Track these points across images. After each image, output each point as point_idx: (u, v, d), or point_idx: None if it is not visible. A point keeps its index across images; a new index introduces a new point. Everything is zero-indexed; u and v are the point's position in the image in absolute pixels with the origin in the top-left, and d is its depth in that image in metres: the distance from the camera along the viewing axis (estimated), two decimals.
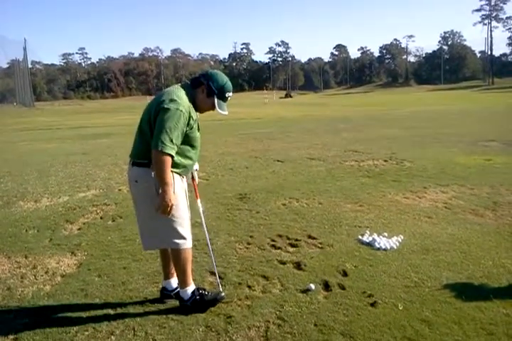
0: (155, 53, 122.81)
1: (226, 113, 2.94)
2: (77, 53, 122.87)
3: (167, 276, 3.25)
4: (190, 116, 2.81)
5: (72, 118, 30.37)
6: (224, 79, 2.93)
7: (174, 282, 3.20)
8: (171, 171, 2.81)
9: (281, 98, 58.17)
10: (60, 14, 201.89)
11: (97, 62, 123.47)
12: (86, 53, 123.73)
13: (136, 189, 2.99)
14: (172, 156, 2.75)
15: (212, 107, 2.94)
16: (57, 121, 27.88)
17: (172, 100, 2.74)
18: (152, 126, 2.79)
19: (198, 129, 3.00)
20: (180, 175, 2.96)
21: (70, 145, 13.29)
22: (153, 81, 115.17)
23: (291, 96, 69.59)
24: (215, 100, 2.91)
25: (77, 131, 18.69)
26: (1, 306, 3.20)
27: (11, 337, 2.78)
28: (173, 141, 2.71)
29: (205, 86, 2.89)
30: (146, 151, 2.81)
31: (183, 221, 2.96)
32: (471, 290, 3.19)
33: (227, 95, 2.95)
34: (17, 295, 3.35)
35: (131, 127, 19.59)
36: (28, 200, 6.37)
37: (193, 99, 2.88)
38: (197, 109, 2.94)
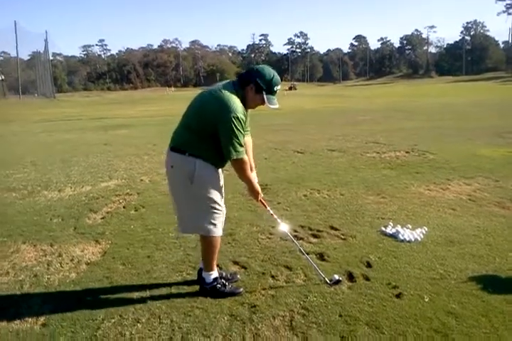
0: (174, 45, 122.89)
1: (277, 106, 2.93)
2: (97, 45, 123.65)
3: None
4: (245, 118, 2.86)
5: (92, 110, 30.65)
6: (271, 73, 2.91)
7: None
8: (210, 162, 2.95)
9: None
10: (80, 6, 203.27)
11: (117, 53, 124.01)
12: (106, 45, 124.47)
13: (171, 174, 3.06)
14: (243, 159, 2.90)
15: (262, 103, 2.95)
16: (77, 112, 28.18)
17: (230, 108, 2.77)
18: (201, 121, 2.89)
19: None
20: (217, 167, 3.03)
21: (91, 136, 13.42)
22: (172, 72, 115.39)
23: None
24: (265, 96, 2.91)
25: (97, 122, 18.85)
26: (29, 292, 3.26)
27: (40, 322, 2.83)
28: (241, 144, 2.85)
29: (253, 84, 2.88)
30: (186, 139, 2.96)
31: (214, 210, 3.01)
32: (497, 282, 3.15)
33: (275, 89, 2.94)
34: (44, 282, 3.41)
35: (151, 118, 19.82)
36: (51, 190, 6.46)
37: (242, 98, 2.89)
38: (247, 106, 2.95)
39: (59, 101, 53.03)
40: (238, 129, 2.79)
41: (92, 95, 76.01)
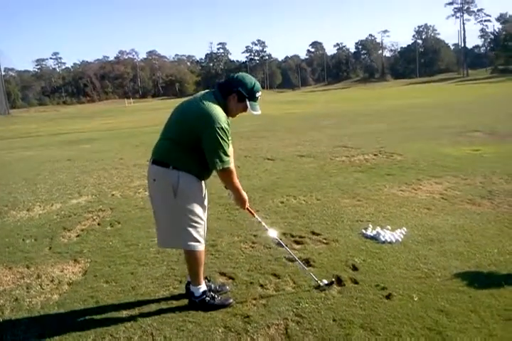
0: (130, 56, 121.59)
1: (259, 112, 2.94)
2: (51, 58, 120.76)
3: None
4: (229, 128, 2.86)
5: (50, 125, 29.91)
6: (252, 81, 2.93)
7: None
8: (194, 175, 2.93)
9: None
10: (31, 18, 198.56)
11: (72, 66, 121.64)
12: (60, 58, 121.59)
13: (153, 187, 3.01)
14: (230, 168, 2.90)
15: (244, 110, 2.96)
16: (35, 128, 27.46)
17: (214, 119, 2.76)
18: (183, 133, 2.86)
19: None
20: (201, 179, 3.01)
21: (53, 152, 13.07)
22: (129, 84, 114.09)
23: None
24: (248, 103, 2.91)
25: (57, 138, 18.41)
26: (12, 317, 3.14)
27: None
28: (227, 153, 2.84)
29: (235, 93, 2.89)
30: (168, 152, 2.91)
31: (197, 224, 2.97)
32: (481, 278, 3.24)
33: (257, 95, 2.95)
34: (25, 306, 3.29)
35: (113, 132, 19.53)
36: (19, 209, 6.25)
37: (224, 107, 2.88)
38: (229, 114, 2.94)
39: (14, 117, 51.59)
40: (223, 139, 2.79)
41: (49, 110, 74.31)
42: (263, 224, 3.37)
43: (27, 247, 4.62)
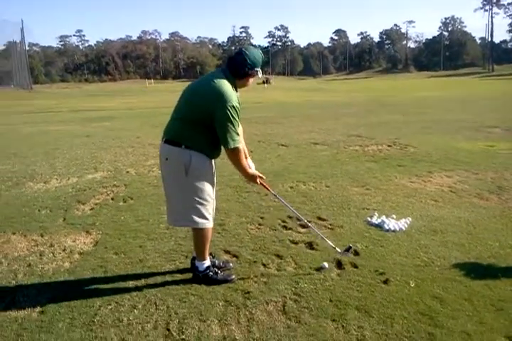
0: (153, 36, 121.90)
1: (261, 74, 3.05)
2: (74, 35, 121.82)
3: None
4: (239, 106, 2.93)
5: (71, 101, 30.26)
6: (258, 56, 2.99)
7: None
8: (205, 154, 3.01)
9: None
10: None
11: (95, 44, 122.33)
12: (84, 36, 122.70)
13: (165, 166, 3.09)
14: (239, 148, 2.97)
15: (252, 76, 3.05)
16: (56, 103, 27.79)
17: (226, 98, 2.83)
18: (195, 112, 2.93)
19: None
20: (211, 158, 3.09)
21: (73, 128, 13.30)
22: (151, 64, 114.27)
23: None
24: (259, 71, 3.02)
25: (78, 114, 18.66)
26: (24, 281, 3.29)
27: (37, 310, 2.88)
28: (237, 132, 2.93)
29: (249, 76, 2.99)
30: (180, 132, 2.99)
31: (206, 203, 3.07)
32: (479, 269, 3.30)
33: (260, 61, 3.03)
34: (38, 272, 3.45)
35: (132, 111, 19.70)
36: (37, 181, 6.44)
37: (233, 82, 2.96)
38: (240, 87, 3.04)
39: (36, 92, 52.17)
40: (234, 118, 2.87)
41: (71, 86, 75.02)
42: (278, 196, 3.46)
43: (42, 217, 4.79)
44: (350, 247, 3.45)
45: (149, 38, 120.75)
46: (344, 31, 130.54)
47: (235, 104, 2.86)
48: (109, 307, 2.90)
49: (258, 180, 3.18)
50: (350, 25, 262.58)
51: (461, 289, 3.00)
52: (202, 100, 2.90)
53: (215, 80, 2.90)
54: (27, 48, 71.76)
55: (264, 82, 56.25)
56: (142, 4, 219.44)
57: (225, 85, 2.88)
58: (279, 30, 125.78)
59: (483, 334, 2.50)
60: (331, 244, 3.44)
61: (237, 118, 2.89)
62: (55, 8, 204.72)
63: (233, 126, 2.87)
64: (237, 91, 3.00)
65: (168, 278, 3.29)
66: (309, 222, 4.33)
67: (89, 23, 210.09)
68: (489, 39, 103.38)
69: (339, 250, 3.41)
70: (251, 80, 3.06)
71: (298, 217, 3.74)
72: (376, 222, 4.27)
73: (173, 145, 2.99)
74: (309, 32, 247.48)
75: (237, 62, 2.94)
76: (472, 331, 2.53)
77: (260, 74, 3.04)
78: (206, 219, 3.09)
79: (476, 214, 4.50)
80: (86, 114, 18.81)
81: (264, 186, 3.32)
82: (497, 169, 6.41)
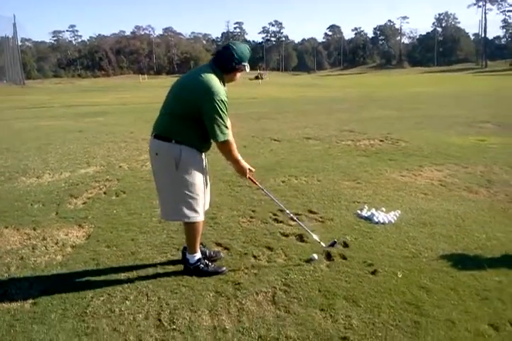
0: (146, 32, 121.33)
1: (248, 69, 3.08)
2: (67, 31, 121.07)
3: None
4: (227, 101, 2.95)
5: (64, 97, 30.09)
6: (245, 50, 3.03)
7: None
8: (195, 148, 3.04)
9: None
10: None
11: (88, 40, 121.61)
12: (77, 31, 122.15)
13: (155, 161, 3.13)
14: (229, 140, 3.01)
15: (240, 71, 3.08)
16: (49, 99, 27.62)
17: (213, 92, 2.85)
18: (184, 107, 2.96)
19: None
20: (201, 152, 3.12)
21: (66, 123, 13.25)
22: (144, 60, 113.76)
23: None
24: (246, 66, 3.05)
25: (70, 109, 18.58)
26: (17, 274, 3.32)
27: (30, 301, 2.91)
28: (226, 126, 2.96)
29: (236, 70, 3.02)
30: (170, 127, 3.01)
31: (197, 196, 3.09)
32: (466, 260, 3.36)
33: (248, 56, 3.06)
34: (30, 265, 3.47)
35: (125, 106, 19.65)
36: (29, 176, 6.45)
37: (221, 76, 2.98)
38: (228, 82, 3.07)
39: (29, 88, 51.83)
40: (223, 111, 2.90)
41: (64, 82, 74.49)
42: (265, 191, 3.58)
43: (35, 211, 4.81)
44: (335, 242, 3.52)
45: (143, 33, 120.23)
46: (338, 27, 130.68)
47: (223, 97, 2.89)
48: (101, 298, 2.94)
49: (248, 175, 3.23)
50: (345, 21, 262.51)
51: (448, 279, 3.05)
52: (190, 94, 2.93)
53: (203, 75, 2.92)
54: (19, 44, 71.26)
55: (257, 78, 55.66)
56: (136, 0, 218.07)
57: (213, 79, 2.90)
58: (273, 25, 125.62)
59: (468, 323, 2.56)
60: (316, 238, 3.50)
61: (225, 112, 2.92)
62: (48, 3, 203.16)
63: (222, 119, 2.90)
64: (224, 85, 3.02)
65: (159, 270, 3.32)
66: (299, 215, 4.42)
67: (83, 19, 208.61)
68: (483, 35, 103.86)
69: (324, 245, 3.47)
70: (238, 75, 3.09)
71: (285, 210, 3.78)
72: (366, 215, 4.32)
73: (162, 141, 3.01)
74: (303, 27, 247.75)
75: (224, 57, 2.98)
76: (457, 319, 2.59)
77: (248, 69, 3.06)
78: (197, 212, 3.11)
79: (465, 207, 4.57)
80: (79, 109, 18.75)
81: (253, 181, 3.38)
82: (487, 163, 6.49)
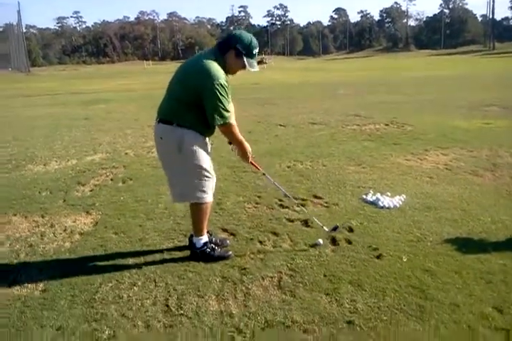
0: (151, 17, 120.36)
1: (257, 69, 3.04)
2: (71, 17, 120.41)
3: None
4: (228, 85, 2.94)
5: (69, 84, 30.07)
6: (249, 37, 3.01)
7: None
8: (200, 133, 3.06)
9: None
10: None
11: (92, 26, 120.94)
12: (81, 17, 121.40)
13: (160, 145, 3.17)
14: (230, 123, 3.00)
15: (243, 67, 3.04)
16: (54, 86, 27.62)
17: (213, 76, 2.85)
18: (186, 91, 2.97)
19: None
20: (205, 136, 3.14)
21: (72, 111, 13.28)
22: (149, 45, 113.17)
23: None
24: (245, 59, 3.00)
25: (76, 97, 18.58)
26: (26, 261, 3.38)
27: (40, 288, 2.96)
28: (228, 109, 2.94)
29: (233, 49, 2.97)
30: (173, 111, 3.04)
31: (204, 177, 3.13)
32: (470, 244, 3.38)
33: (254, 52, 3.03)
34: (39, 252, 3.52)
35: (130, 93, 19.62)
36: (37, 164, 6.49)
37: (223, 65, 2.97)
38: (228, 72, 3.04)
39: (34, 75, 51.80)
40: (223, 95, 2.89)
41: (69, 69, 74.48)
42: (267, 176, 3.56)
43: (42, 199, 4.86)
44: (337, 227, 3.53)
45: (147, 18, 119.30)
46: (344, 10, 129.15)
47: (222, 81, 2.88)
48: (110, 284, 2.98)
49: (250, 159, 3.25)
50: (350, 4, 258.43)
51: (452, 263, 3.07)
52: (191, 79, 2.94)
53: (204, 60, 2.93)
54: (24, 31, 71.01)
55: (259, 62, 53.70)
56: None
57: (213, 64, 2.90)
58: (278, 9, 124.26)
59: (472, 306, 2.58)
60: (319, 223, 3.52)
61: (225, 96, 2.91)
62: None
63: (221, 103, 2.89)
64: (227, 72, 3.01)
65: (166, 256, 3.36)
66: (304, 200, 4.44)
67: (87, 4, 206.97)
68: (490, 16, 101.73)
69: (327, 229, 3.49)
70: (239, 64, 3.03)
71: (287, 195, 3.80)
72: (371, 200, 4.33)
73: (166, 124, 3.04)
74: (309, 11, 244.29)
75: (228, 41, 3.00)
76: (461, 303, 2.61)
77: (251, 64, 3.03)
78: (205, 193, 3.15)
79: (470, 191, 4.57)
80: (84, 96, 18.74)
81: (255, 165, 3.40)
82: (492, 146, 6.45)
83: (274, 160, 6.11)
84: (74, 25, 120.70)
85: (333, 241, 3.48)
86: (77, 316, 2.63)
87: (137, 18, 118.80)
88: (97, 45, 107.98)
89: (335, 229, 3.51)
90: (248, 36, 3.01)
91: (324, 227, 3.50)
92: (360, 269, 3.04)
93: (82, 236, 3.80)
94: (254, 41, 3.02)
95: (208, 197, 3.18)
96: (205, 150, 3.15)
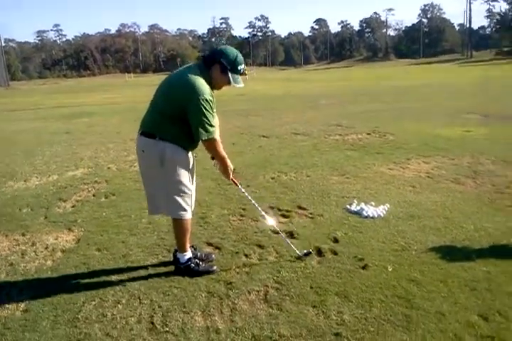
0: (132, 29, 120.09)
1: (242, 85, 3.04)
2: (52, 30, 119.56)
3: None
4: (213, 99, 2.94)
5: (50, 98, 29.79)
6: (234, 53, 3.00)
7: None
8: (182, 147, 3.04)
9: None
10: None
11: (73, 39, 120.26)
12: (61, 30, 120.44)
13: (142, 158, 3.15)
14: (214, 138, 3.00)
15: (228, 83, 3.03)
16: (35, 100, 27.35)
17: (198, 91, 2.84)
18: (170, 105, 2.96)
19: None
20: (188, 150, 3.12)
21: (53, 125, 13.13)
22: (130, 58, 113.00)
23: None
24: (230, 75, 2.99)
25: (57, 111, 18.41)
26: (7, 280, 3.30)
27: (21, 308, 2.89)
28: (212, 124, 2.93)
29: (218, 64, 2.96)
30: (156, 124, 3.02)
31: (184, 194, 3.11)
32: (454, 252, 3.40)
33: (239, 68, 3.02)
34: (20, 271, 3.45)
35: (112, 106, 19.52)
36: (17, 180, 6.39)
37: (208, 80, 2.96)
38: (213, 87, 3.02)
39: (14, 89, 51.31)
40: (208, 110, 2.88)
41: (49, 82, 73.92)
42: (250, 198, 3.51)
43: (23, 216, 4.77)
44: (310, 252, 3.42)
45: (128, 31, 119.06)
46: (324, 20, 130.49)
47: (208, 97, 2.88)
48: (93, 303, 2.93)
49: (231, 175, 3.24)
50: (331, 15, 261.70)
51: (437, 271, 3.09)
52: (176, 93, 2.94)
53: (189, 74, 2.92)
54: (3, 44, 70.35)
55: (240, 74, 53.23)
56: None
57: (198, 79, 2.90)
58: (259, 20, 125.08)
59: (458, 314, 2.59)
60: (292, 246, 3.43)
61: (210, 111, 2.91)
62: (32, 2, 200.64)
63: (206, 118, 2.89)
64: (212, 90, 3.01)
65: (151, 272, 3.32)
66: (289, 211, 4.44)
67: (67, 17, 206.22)
68: (467, 25, 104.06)
69: (299, 253, 3.39)
70: (224, 79, 3.02)
71: (263, 214, 3.64)
72: (355, 210, 4.35)
73: (148, 138, 3.03)
74: (290, 22, 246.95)
75: (212, 56, 3.00)
76: (447, 311, 2.62)
77: (236, 81, 3.02)
78: (184, 210, 3.13)
79: (453, 199, 4.61)
80: (65, 110, 18.58)
81: (235, 182, 3.39)
82: (473, 154, 6.55)
83: (259, 171, 6.10)
84: (54, 39, 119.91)
85: (319, 253, 3.47)
86: (60, 337, 2.58)
87: (118, 31, 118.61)
88: (78, 58, 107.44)
89: (307, 254, 3.40)
90: (234, 52, 3.01)
91: (297, 251, 3.41)
92: (346, 280, 3.04)
93: (64, 254, 3.73)
94: (240, 57, 3.02)
95: (187, 214, 3.16)
96: (187, 164, 3.14)
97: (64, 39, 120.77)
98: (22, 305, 2.92)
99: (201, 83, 2.89)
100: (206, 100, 2.87)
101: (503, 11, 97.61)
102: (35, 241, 4.03)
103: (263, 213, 3.56)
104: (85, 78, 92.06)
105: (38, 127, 12.81)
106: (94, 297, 2.99)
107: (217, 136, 3.05)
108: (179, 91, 2.92)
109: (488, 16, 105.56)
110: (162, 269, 3.35)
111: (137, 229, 4.18)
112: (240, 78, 3.06)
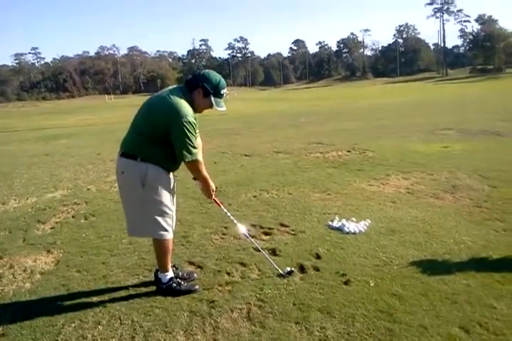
0: (111, 51, 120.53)
1: (224, 109, 3.07)
2: (30, 53, 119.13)
3: None
4: (196, 121, 2.96)
5: (28, 120, 29.59)
6: (217, 77, 3.04)
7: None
8: (162, 167, 3.04)
9: None
10: (10, 12, 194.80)
11: (51, 61, 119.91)
12: (39, 53, 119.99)
13: (122, 179, 3.12)
14: (197, 159, 3.01)
15: (210, 106, 3.06)
16: (13, 123, 27.11)
17: (182, 113, 2.86)
18: (151, 127, 2.97)
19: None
20: (169, 171, 3.12)
21: (31, 147, 13.02)
22: (110, 80, 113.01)
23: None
24: (212, 99, 3.02)
25: (35, 133, 18.27)
26: None
27: None
28: (195, 145, 2.94)
29: (200, 88, 2.99)
30: (136, 145, 3.02)
31: (165, 214, 3.10)
32: (435, 266, 3.43)
33: (222, 92, 3.06)
34: None
35: (91, 127, 19.47)
36: None
37: (190, 102, 2.98)
38: (195, 110, 3.04)
39: None
40: (191, 132, 2.90)
41: (28, 105, 73.34)
42: (232, 218, 3.50)
43: (1, 239, 4.68)
44: (292, 271, 3.40)
45: (107, 53, 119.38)
46: (303, 41, 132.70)
47: (191, 119, 2.90)
48: (73, 325, 2.87)
49: (213, 196, 3.25)
50: (309, 35, 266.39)
51: (418, 285, 3.11)
52: (158, 115, 2.95)
53: (172, 96, 2.94)
54: None
55: None
56: (99, 20, 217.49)
57: (181, 101, 2.92)
58: (238, 41, 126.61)
59: (439, 327, 2.61)
60: (273, 263, 3.43)
61: (193, 133, 2.93)
62: (9, 25, 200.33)
63: (189, 140, 2.90)
64: (194, 110, 3.02)
65: (132, 292, 3.27)
66: (271, 229, 4.44)
67: (45, 40, 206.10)
68: (442, 45, 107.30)
69: (281, 272, 3.38)
70: (207, 103, 3.06)
71: (247, 235, 3.61)
72: (337, 226, 4.37)
73: (129, 159, 3.02)
74: (269, 43, 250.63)
75: (195, 80, 3.03)
76: (429, 324, 2.64)
77: (217, 108, 3.06)
78: (165, 230, 3.11)
79: (432, 213, 4.68)
80: (44, 132, 18.44)
81: (217, 202, 3.39)
82: (451, 169, 6.67)
83: (241, 190, 6.11)
84: (32, 61, 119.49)
85: (302, 269, 3.47)
86: None
87: (97, 53, 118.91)
88: (57, 81, 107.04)
89: (289, 273, 3.38)
90: (217, 76, 3.05)
91: (279, 270, 3.39)
92: (328, 296, 3.03)
93: (43, 276, 3.66)
94: (223, 81, 3.06)
95: (168, 235, 3.15)
96: (169, 185, 3.13)
97: (42, 62, 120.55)
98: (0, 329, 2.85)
99: (184, 105, 2.91)
100: (189, 122, 2.88)
101: (475, 30, 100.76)
102: (13, 264, 3.95)
103: (235, 221, 3.53)
104: (64, 100, 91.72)
105: (16, 149, 12.69)
106: (74, 318, 2.94)
107: (200, 157, 3.06)
108: (162, 114, 2.93)
109: (461, 36, 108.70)
110: (143, 289, 3.31)
111: (118, 250, 4.13)
112: (222, 102, 3.09)
